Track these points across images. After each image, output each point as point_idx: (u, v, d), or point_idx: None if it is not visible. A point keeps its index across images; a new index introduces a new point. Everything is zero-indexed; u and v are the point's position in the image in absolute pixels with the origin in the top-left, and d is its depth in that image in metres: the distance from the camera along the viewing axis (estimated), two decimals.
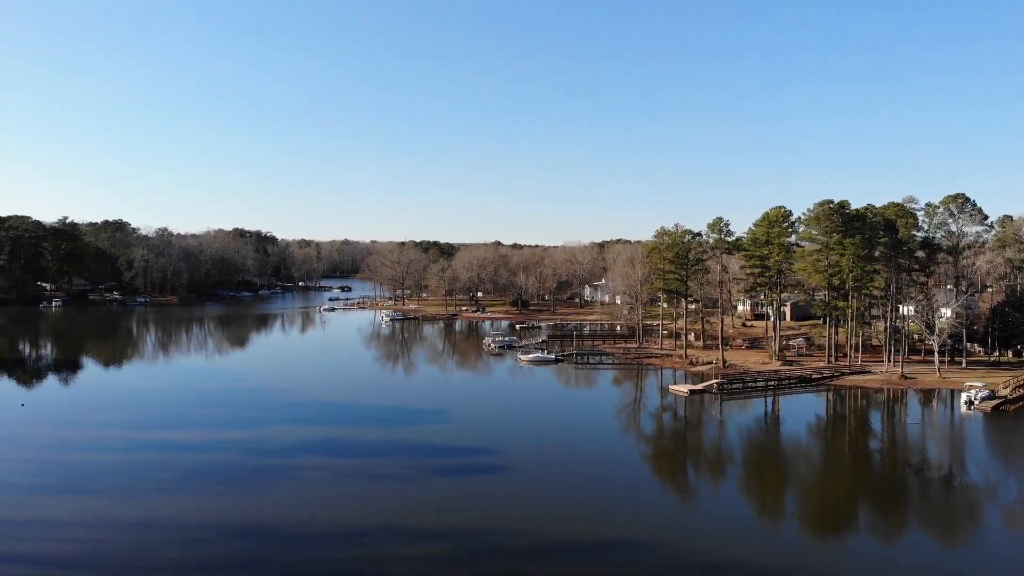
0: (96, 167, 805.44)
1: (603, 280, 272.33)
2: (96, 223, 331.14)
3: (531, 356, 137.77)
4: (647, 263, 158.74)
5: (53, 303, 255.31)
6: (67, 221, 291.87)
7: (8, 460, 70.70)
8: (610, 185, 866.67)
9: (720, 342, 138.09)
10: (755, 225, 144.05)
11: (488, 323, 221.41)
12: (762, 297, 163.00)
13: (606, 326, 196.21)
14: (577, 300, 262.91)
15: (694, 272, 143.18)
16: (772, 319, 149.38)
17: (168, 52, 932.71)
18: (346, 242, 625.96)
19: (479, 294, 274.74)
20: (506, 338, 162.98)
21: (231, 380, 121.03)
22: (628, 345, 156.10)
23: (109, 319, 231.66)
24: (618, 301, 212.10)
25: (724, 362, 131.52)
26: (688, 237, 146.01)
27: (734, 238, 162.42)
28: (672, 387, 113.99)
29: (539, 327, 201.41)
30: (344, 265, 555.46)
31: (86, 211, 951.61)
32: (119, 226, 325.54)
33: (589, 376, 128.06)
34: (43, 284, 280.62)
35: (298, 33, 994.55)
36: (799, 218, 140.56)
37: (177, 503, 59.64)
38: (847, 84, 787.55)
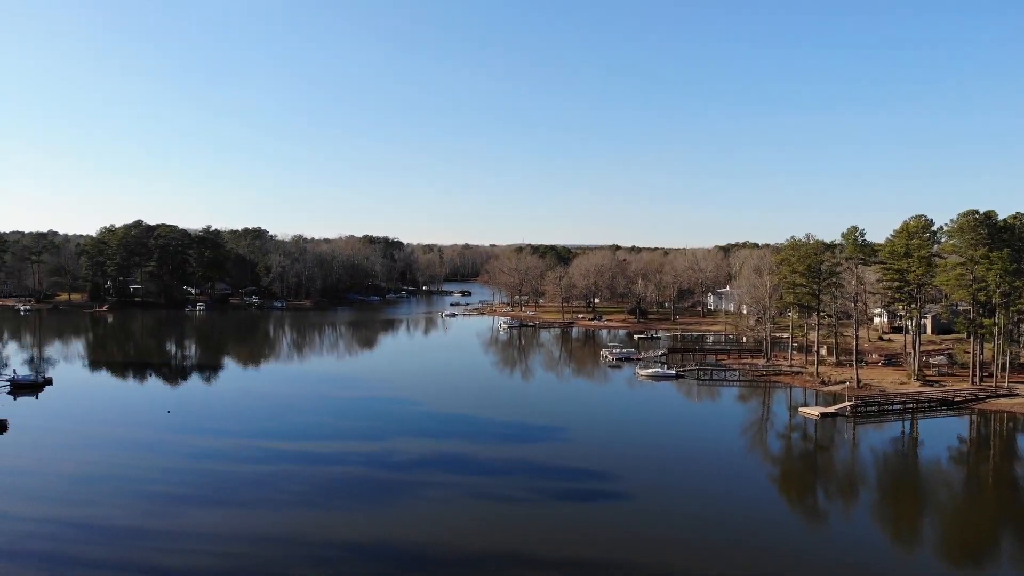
0: (237, 176, 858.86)
1: (727, 287, 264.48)
2: (237, 230, 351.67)
3: (650, 371, 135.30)
4: (776, 274, 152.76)
5: (197, 307, 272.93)
6: (211, 229, 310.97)
7: (153, 468, 75.71)
8: (736, 185, 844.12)
9: (855, 359, 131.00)
10: (893, 235, 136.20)
11: (605, 331, 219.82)
12: (900, 309, 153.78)
13: (731, 336, 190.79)
14: (699, 309, 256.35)
15: (826, 286, 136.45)
16: (911, 334, 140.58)
17: (295, 62, 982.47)
18: (467, 246, 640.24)
19: (596, 300, 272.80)
20: (624, 350, 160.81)
21: (361, 388, 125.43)
22: (754, 361, 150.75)
23: (249, 323, 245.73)
24: (744, 311, 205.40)
25: (858, 382, 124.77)
26: (821, 249, 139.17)
27: (869, 245, 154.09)
28: (802, 409, 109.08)
29: (658, 337, 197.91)
30: (464, 269, 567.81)
31: (227, 218, 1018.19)
32: (258, 233, 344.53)
33: (712, 394, 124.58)
34: (188, 288, 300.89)
35: (423, 40, 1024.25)
36: (941, 228, 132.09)
37: (307, 518, 62.15)
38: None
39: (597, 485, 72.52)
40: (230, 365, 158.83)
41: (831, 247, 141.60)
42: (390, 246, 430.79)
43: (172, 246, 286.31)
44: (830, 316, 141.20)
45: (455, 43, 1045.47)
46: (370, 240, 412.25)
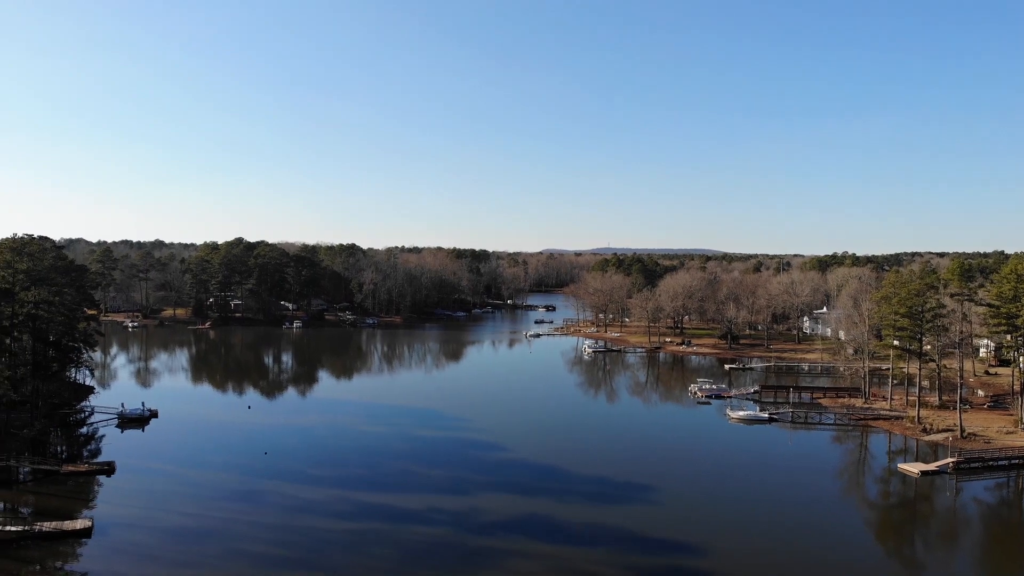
0: (331, 193, 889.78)
1: (824, 308, 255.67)
2: (332, 246, 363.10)
3: (741, 413, 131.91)
4: (876, 313, 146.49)
5: (294, 324, 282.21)
6: (307, 246, 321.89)
7: (253, 524, 78.58)
8: (839, 191, 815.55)
9: (959, 404, 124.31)
10: (1002, 277, 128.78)
11: (694, 357, 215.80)
12: (1007, 341, 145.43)
13: (827, 366, 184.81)
14: (795, 333, 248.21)
15: (929, 329, 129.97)
16: (1020, 376, 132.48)
17: (387, 74, 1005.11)
18: (551, 256, 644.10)
19: (686, 317, 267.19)
20: (714, 386, 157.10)
21: (448, 426, 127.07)
22: (852, 401, 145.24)
23: (342, 341, 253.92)
24: (841, 336, 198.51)
25: (962, 431, 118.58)
26: (923, 288, 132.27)
27: (975, 277, 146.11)
28: (901, 466, 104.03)
29: (751, 368, 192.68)
30: (549, 279, 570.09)
31: (321, 223, 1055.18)
32: (351, 251, 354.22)
33: (807, 442, 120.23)
34: (286, 304, 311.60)
35: (508, 49, 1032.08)
36: None
37: None
38: None
39: (688, 561, 70.93)
40: (324, 391, 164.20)
41: (934, 286, 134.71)
42: (476, 258, 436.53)
43: (271, 265, 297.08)
44: (933, 360, 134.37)
45: (537, 50, 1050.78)
46: (457, 254, 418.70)
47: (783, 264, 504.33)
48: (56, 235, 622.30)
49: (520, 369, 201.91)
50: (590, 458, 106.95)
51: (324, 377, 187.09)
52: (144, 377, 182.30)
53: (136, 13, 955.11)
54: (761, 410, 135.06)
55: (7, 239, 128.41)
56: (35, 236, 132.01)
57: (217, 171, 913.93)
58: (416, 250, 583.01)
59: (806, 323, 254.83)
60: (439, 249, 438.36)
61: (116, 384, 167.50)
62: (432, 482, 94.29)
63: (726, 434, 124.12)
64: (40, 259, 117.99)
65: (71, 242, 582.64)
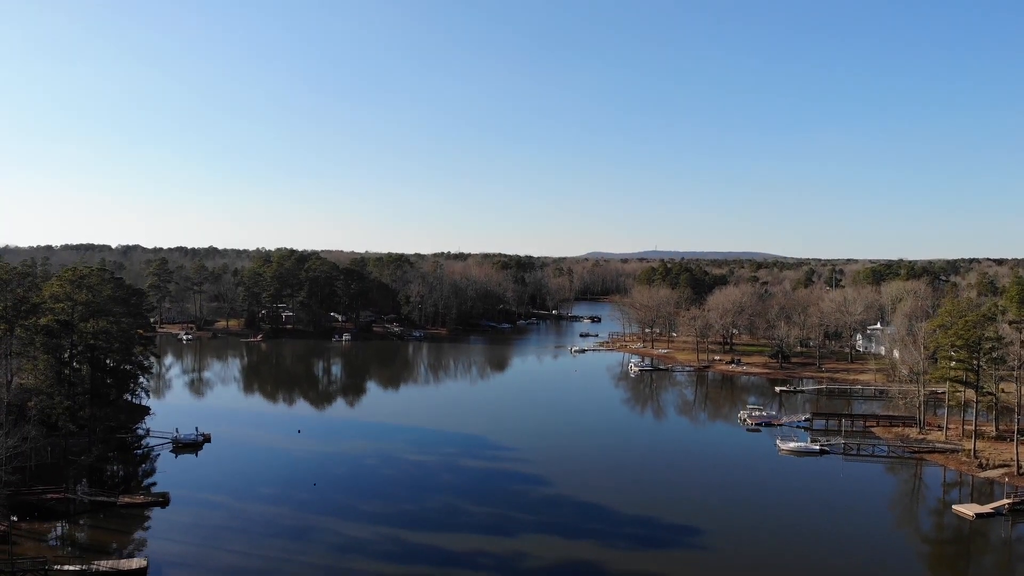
0: (379, 202, 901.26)
1: (879, 324, 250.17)
2: (381, 257, 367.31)
3: (792, 445, 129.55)
4: (932, 340, 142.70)
5: (343, 336, 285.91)
6: (357, 258, 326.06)
7: (303, 565, 79.73)
8: (894, 194, 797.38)
9: (1015, 438, 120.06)
10: None
11: (744, 377, 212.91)
12: None
13: (882, 389, 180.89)
14: (848, 351, 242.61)
15: (987, 361, 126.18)
16: None
17: (422, 84, 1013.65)
18: (597, 263, 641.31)
19: (735, 332, 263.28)
20: (764, 412, 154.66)
21: (493, 455, 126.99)
22: (906, 429, 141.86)
23: (389, 356, 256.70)
24: (896, 355, 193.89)
25: (1019, 467, 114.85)
26: (982, 320, 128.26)
27: None
28: (955, 507, 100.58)
29: (802, 390, 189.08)
30: (595, 287, 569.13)
31: (369, 238, 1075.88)
32: (399, 263, 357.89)
33: (858, 478, 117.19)
34: (335, 316, 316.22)
35: (545, 61, 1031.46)
36: None
37: None
38: None
39: None
40: (372, 413, 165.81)
41: (992, 317, 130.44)
42: (520, 267, 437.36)
43: (322, 278, 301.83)
44: (990, 393, 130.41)
45: (576, 62, 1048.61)
46: (502, 264, 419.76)
47: (836, 273, 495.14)
48: (114, 242, 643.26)
49: (565, 388, 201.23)
50: (636, 495, 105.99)
51: (372, 397, 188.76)
52: (198, 387, 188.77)
53: (182, 33, 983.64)
54: (812, 441, 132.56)
55: (67, 270, 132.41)
56: (95, 268, 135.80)
57: (267, 182, 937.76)
58: (462, 256, 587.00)
59: (859, 341, 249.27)
60: (485, 258, 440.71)
61: (171, 397, 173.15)
62: (477, 520, 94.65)
63: (776, 467, 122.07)
64: (99, 290, 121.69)
65: (128, 249, 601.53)
